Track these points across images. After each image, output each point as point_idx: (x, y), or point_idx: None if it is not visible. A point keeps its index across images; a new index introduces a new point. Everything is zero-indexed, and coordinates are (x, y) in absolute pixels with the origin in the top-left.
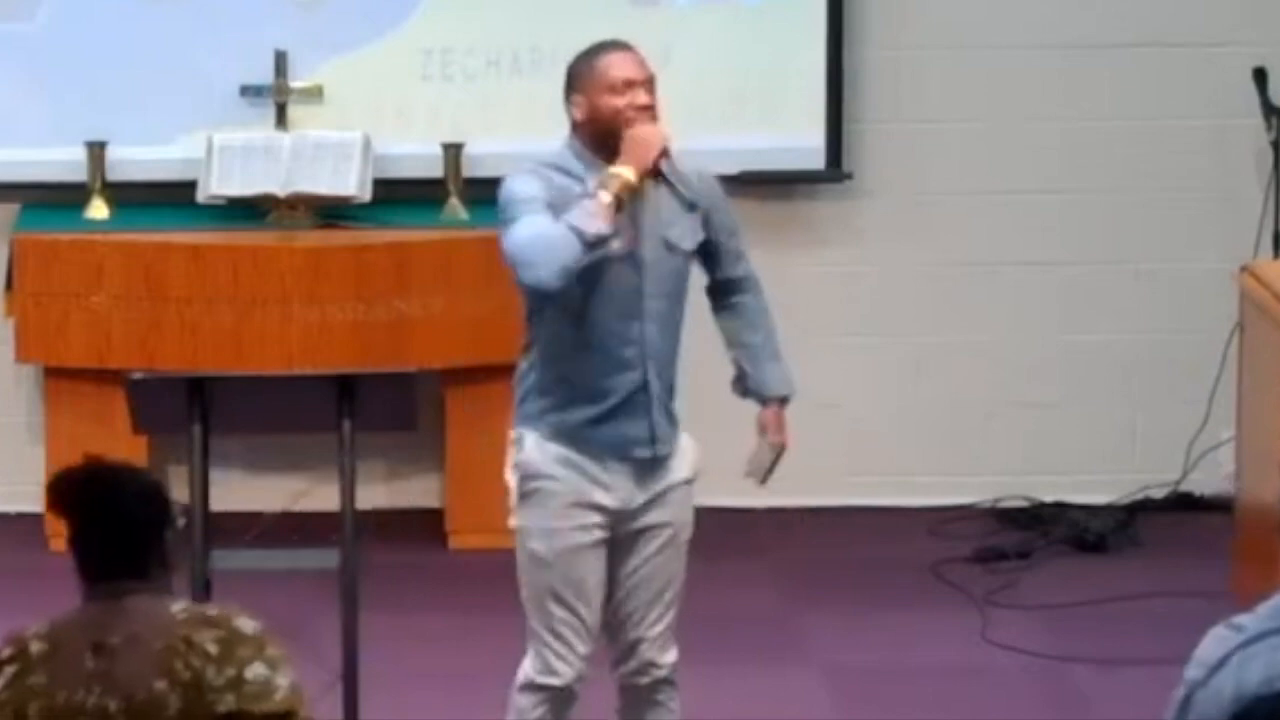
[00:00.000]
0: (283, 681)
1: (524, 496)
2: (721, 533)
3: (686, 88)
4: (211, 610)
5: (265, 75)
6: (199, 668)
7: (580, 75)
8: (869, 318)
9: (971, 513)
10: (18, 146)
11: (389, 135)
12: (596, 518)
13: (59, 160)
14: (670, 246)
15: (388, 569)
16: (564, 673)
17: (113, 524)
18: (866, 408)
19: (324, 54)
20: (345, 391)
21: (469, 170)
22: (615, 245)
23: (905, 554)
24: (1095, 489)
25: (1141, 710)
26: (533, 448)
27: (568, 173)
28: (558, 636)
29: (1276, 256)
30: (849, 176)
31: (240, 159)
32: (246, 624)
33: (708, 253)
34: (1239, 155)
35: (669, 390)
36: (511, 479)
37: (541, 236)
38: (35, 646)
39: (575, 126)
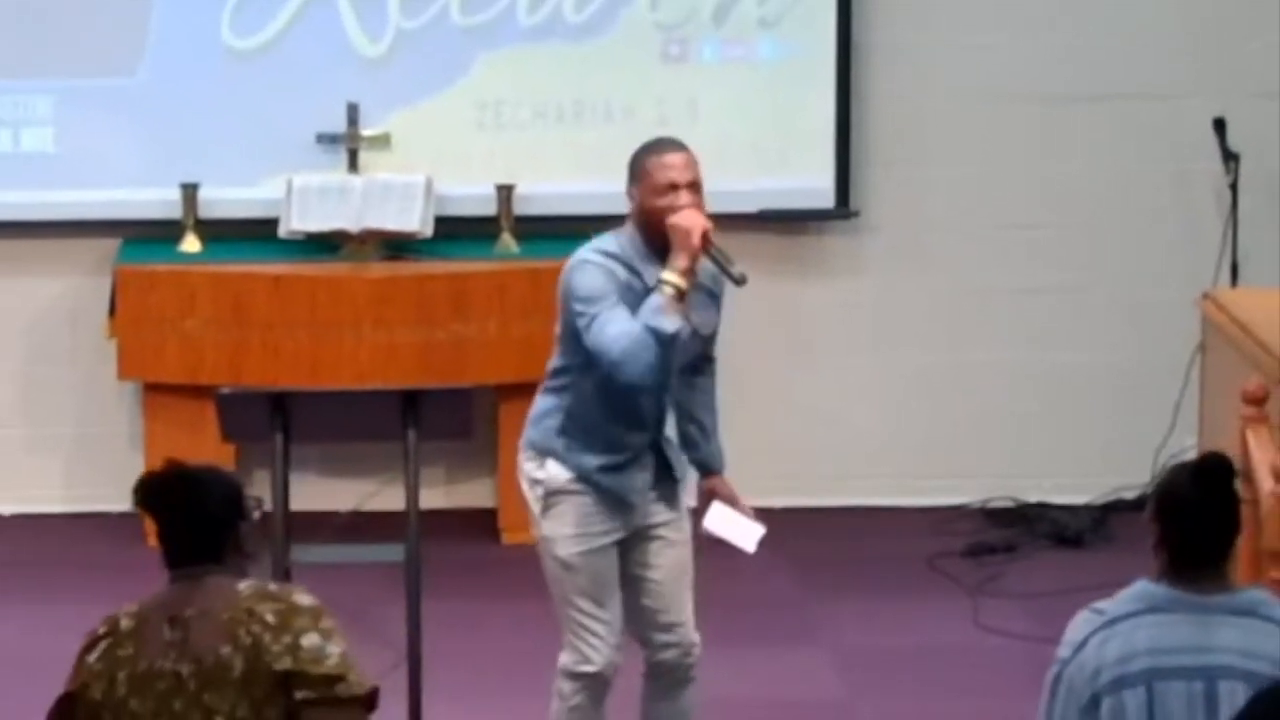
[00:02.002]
0: (334, 649)
1: (547, 509)
2: None
3: (711, 136)
4: (273, 586)
5: (339, 125)
6: (259, 634)
7: (635, 171)
8: (872, 339)
9: (964, 512)
10: (120, 188)
11: (449, 178)
12: (614, 522)
13: (156, 200)
14: (695, 332)
15: (447, 562)
16: (598, 660)
17: (190, 516)
18: (869, 419)
19: (391, 106)
20: (409, 404)
21: (519, 209)
22: (685, 333)
23: (905, 549)
24: (1073, 491)
25: None
26: (554, 466)
27: (628, 265)
28: (589, 630)
29: (1234, 285)
30: (855, 214)
31: (316, 199)
32: (303, 598)
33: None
34: (1201, 195)
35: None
36: (532, 495)
37: (626, 336)
38: (124, 623)
39: (629, 212)
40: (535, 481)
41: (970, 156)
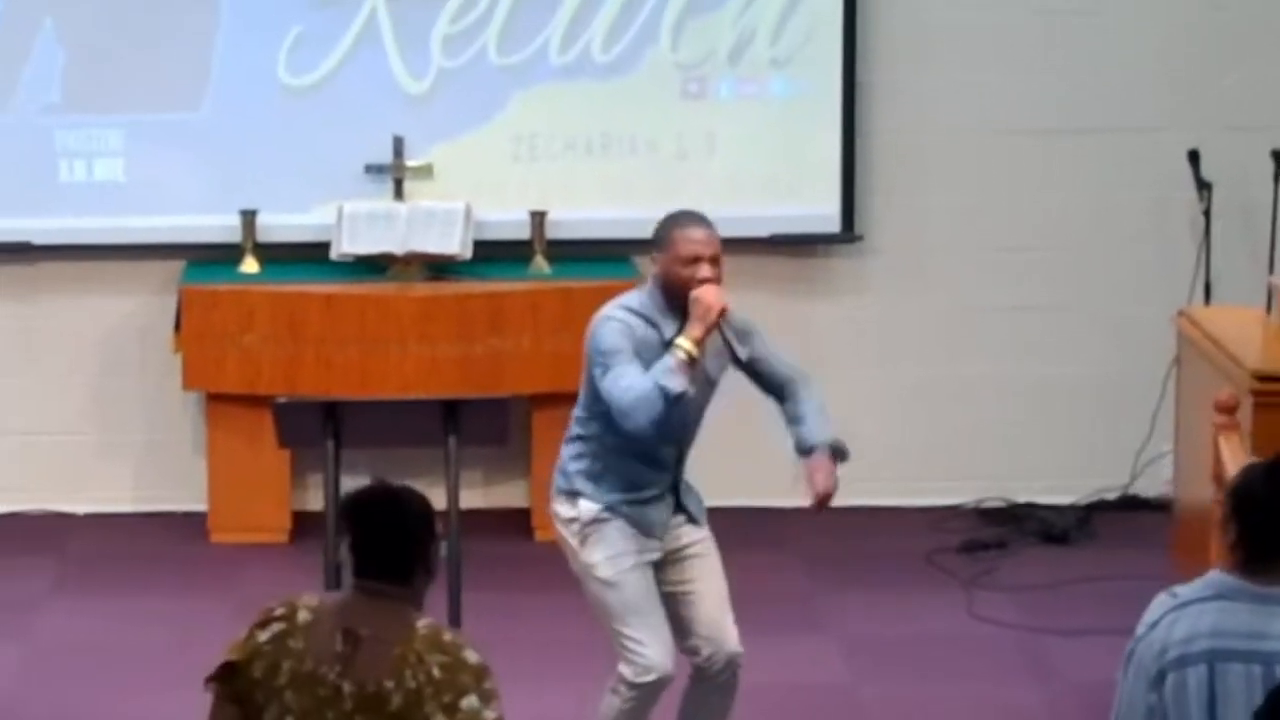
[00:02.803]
0: (490, 715)
1: (584, 541)
2: (757, 528)
3: (727, 166)
4: (447, 636)
5: (386, 156)
6: (422, 682)
7: (661, 239)
8: (875, 353)
9: (959, 512)
10: (185, 214)
11: (486, 205)
12: (647, 544)
13: (218, 225)
14: (708, 380)
15: (484, 557)
16: (660, 666)
17: (392, 534)
18: (872, 427)
19: (434, 139)
20: (450, 413)
21: (551, 233)
22: (690, 394)
23: (905, 546)
24: (1059, 492)
25: (1097, 671)
26: (585, 503)
27: (650, 322)
28: (639, 642)
29: (1207, 303)
30: (859, 238)
31: (365, 224)
32: (472, 655)
33: (755, 372)
34: (1177, 221)
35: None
36: (568, 534)
37: (634, 390)
38: (302, 615)
39: (654, 277)
40: (570, 520)
41: (965, 185)
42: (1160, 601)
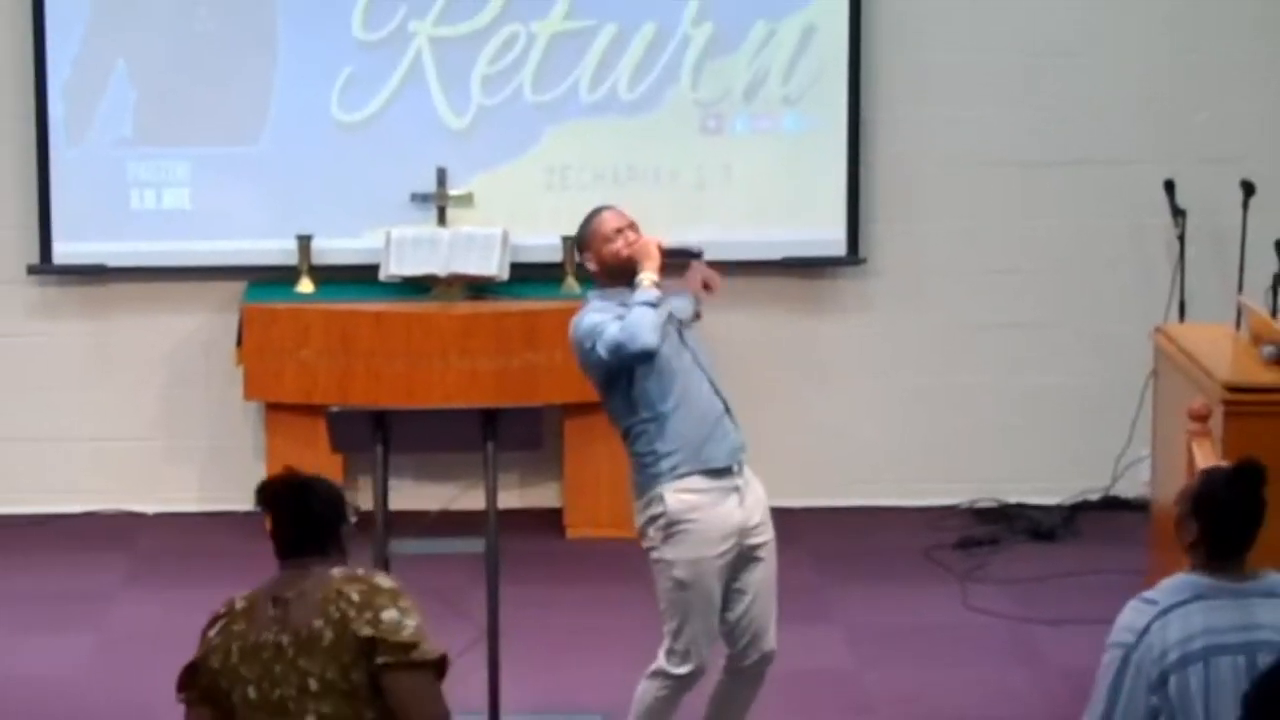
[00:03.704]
0: (410, 622)
1: (668, 537)
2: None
3: (743, 195)
4: (360, 571)
5: (429, 185)
6: (345, 609)
7: (584, 238)
8: (877, 365)
9: (954, 511)
10: (245, 238)
11: (522, 230)
12: (730, 543)
13: (276, 249)
14: (671, 315)
15: (520, 553)
16: (698, 667)
17: (300, 515)
18: (874, 433)
19: (474, 170)
20: (488, 421)
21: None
22: (672, 309)
23: (904, 542)
24: (1047, 493)
25: (1081, 656)
26: (672, 500)
27: (620, 304)
28: (693, 641)
29: (1181, 320)
30: (863, 261)
31: (411, 248)
32: (384, 581)
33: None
34: (1154, 245)
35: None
36: (652, 530)
37: (628, 322)
38: (239, 604)
39: (593, 276)
40: (654, 518)
41: (960, 212)
42: (1138, 609)
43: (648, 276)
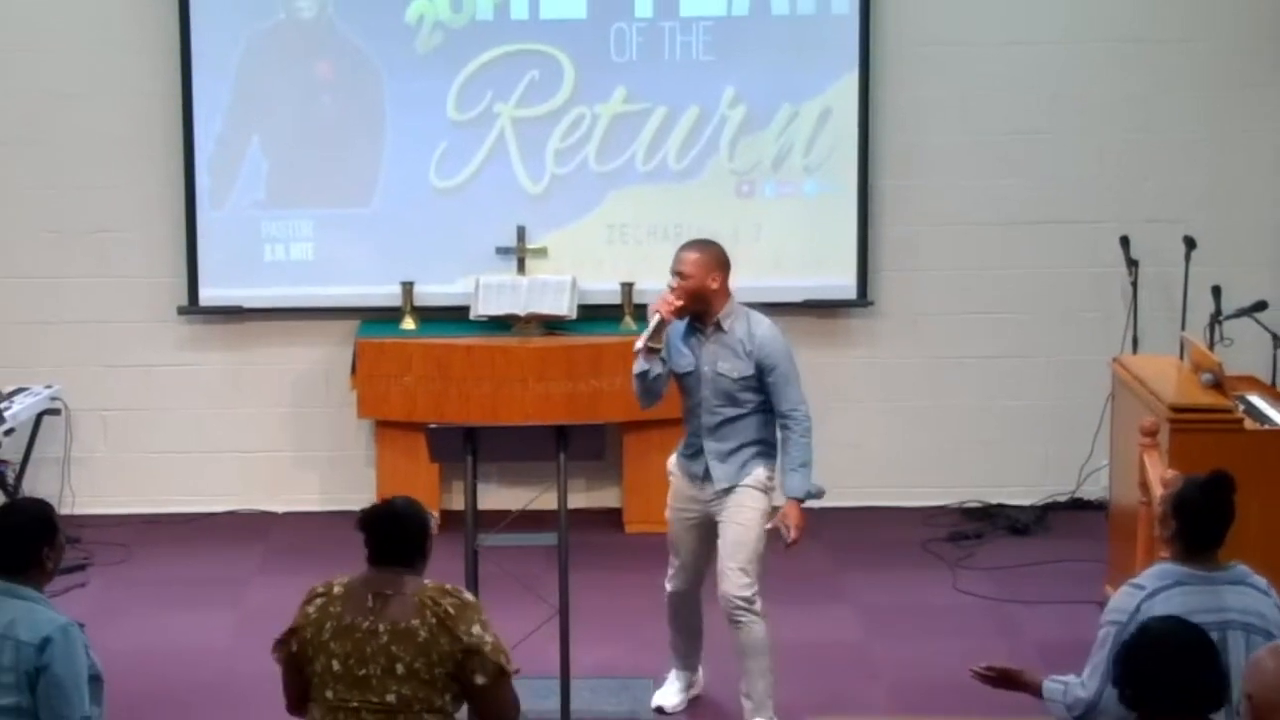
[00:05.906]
0: (489, 637)
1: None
2: None
3: (771, 248)
4: (449, 586)
5: (511, 240)
6: (442, 616)
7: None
8: (882, 390)
9: (946, 510)
10: (359, 285)
11: (588, 277)
12: (695, 496)
13: (384, 292)
14: (717, 373)
15: (586, 546)
16: (672, 587)
17: (390, 537)
18: (880, 445)
19: (548, 228)
20: (561, 436)
21: (637, 299)
22: (655, 372)
23: (905, 536)
24: (1023, 495)
25: (1053, 631)
26: (671, 460)
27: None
28: (670, 568)
29: (1135, 353)
30: (871, 304)
31: (495, 292)
32: (470, 597)
33: (766, 387)
34: (1112, 291)
35: (724, 451)
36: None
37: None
38: (337, 588)
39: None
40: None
41: (950, 264)
42: (1128, 592)
43: (641, 339)
